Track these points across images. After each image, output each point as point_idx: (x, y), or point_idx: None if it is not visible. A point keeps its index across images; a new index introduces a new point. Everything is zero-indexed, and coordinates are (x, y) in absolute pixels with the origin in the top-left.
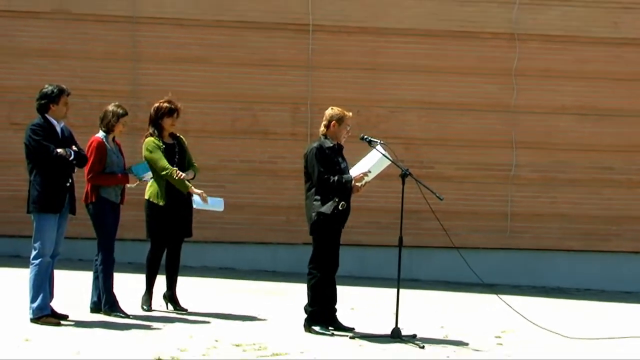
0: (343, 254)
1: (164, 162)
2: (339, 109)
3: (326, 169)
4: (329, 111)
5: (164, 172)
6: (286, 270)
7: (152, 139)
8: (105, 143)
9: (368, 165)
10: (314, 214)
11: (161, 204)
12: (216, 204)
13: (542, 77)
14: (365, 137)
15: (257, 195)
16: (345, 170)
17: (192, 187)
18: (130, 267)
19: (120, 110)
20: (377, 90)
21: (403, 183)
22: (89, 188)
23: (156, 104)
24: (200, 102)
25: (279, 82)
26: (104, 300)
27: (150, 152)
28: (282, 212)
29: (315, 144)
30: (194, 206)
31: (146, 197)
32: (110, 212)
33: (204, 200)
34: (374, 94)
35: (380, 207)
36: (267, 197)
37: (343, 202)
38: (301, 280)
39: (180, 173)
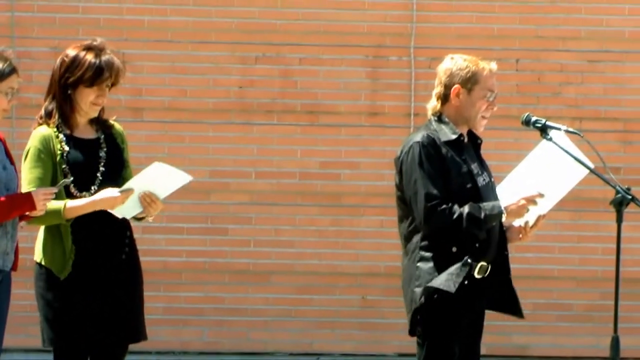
0: None
1: (28, 179)
2: (468, 59)
3: (441, 189)
4: (448, 64)
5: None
6: None
7: (44, 131)
8: None
9: (540, 178)
10: (418, 290)
11: (62, 276)
12: (169, 183)
13: None
14: (535, 119)
15: (293, 248)
16: (487, 192)
17: (97, 197)
18: None
19: (1, 65)
20: (556, 16)
21: (619, 219)
22: None
23: (63, 55)
24: (169, 47)
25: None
26: None
27: (25, 158)
28: (353, 284)
29: (417, 137)
30: (125, 216)
31: (36, 259)
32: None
33: (147, 200)
34: (550, 26)
35: (559, 271)
36: (316, 253)
37: (483, 263)
38: None
39: (49, 192)
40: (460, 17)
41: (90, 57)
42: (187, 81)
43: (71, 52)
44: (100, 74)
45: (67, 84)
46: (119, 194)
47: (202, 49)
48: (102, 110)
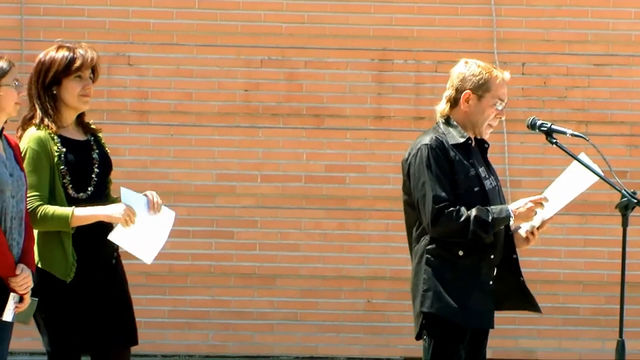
0: None
1: (41, 185)
2: (482, 66)
3: (449, 191)
4: (462, 69)
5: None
6: None
7: (39, 133)
8: None
9: (553, 184)
10: (427, 295)
11: (68, 279)
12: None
13: None
14: (540, 122)
15: (299, 251)
16: (494, 195)
17: (104, 212)
18: None
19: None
20: (562, 19)
21: (625, 223)
22: None
23: (35, 62)
24: (174, 50)
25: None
26: None
27: (32, 165)
28: (358, 288)
29: (426, 139)
30: (116, 242)
31: (36, 262)
32: None
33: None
34: (557, 30)
35: (565, 275)
36: (321, 256)
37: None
38: None
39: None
40: (466, 20)
41: (63, 51)
42: (192, 84)
43: (42, 55)
44: (74, 61)
45: (50, 83)
46: (123, 215)
47: (207, 52)
48: (83, 114)
